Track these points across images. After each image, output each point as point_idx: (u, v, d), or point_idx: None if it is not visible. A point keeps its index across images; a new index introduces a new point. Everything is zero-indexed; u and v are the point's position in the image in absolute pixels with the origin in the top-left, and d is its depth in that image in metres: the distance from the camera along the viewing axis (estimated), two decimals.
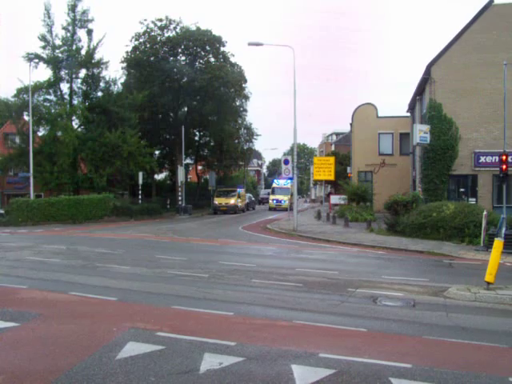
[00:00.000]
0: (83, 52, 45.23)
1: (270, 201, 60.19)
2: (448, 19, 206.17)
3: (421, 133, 29.22)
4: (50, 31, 44.47)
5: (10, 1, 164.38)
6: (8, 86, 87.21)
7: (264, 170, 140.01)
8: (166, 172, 65.23)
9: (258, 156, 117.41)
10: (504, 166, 21.82)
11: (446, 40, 29.79)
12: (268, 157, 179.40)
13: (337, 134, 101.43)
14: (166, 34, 53.43)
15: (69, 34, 45.02)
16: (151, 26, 52.92)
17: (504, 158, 21.95)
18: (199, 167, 67.26)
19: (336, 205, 45.17)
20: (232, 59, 56.34)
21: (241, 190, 56.30)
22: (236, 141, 62.51)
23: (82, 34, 45.98)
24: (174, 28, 53.66)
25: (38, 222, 35.91)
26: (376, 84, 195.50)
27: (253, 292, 11.27)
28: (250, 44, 28.59)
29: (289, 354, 6.82)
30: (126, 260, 16.24)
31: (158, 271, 13.91)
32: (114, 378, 5.81)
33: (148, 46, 52.50)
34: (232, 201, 51.60)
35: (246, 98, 60.09)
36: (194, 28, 53.73)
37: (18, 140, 45.16)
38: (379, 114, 45.28)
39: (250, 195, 66.06)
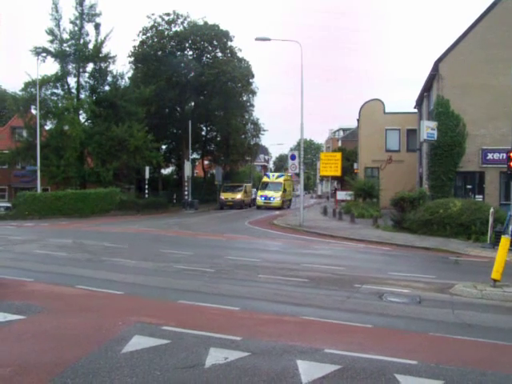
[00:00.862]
0: (91, 46, 45.27)
1: (258, 197, 52.33)
2: (453, 15, 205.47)
3: (428, 129, 29.10)
4: (58, 25, 44.53)
5: None
6: (15, 79, 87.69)
7: (271, 166, 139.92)
8: (173, 166, 65.33)
9: (265, 151, 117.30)
10: None
11: (452, 36, 29.88)
12: (275, 152, 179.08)
13: (344, 130, 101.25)
14: (174, 29, 53.49)
15: (76, 28, 45.05)
16: (159, 20, 52.99)
17: None
18: (206, 162, 67.35)
19: (342, 201, 45.15)
20: (239, 54, 56.33)
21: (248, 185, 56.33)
22: (243, 136, 62.51)
23: (89, 28, 46.02)
24: (182, 23, 53.71)
25: (45, 216, 36.00)
26: (377, 82, 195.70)
27: (259, 287, 11.27)
28: (257, 39, 28.55)
29: (294, 350, 6.81)
30: (132, 254, 16.26)
31: (164, 265, 13.93)
32: (120, 371, 5.82)
33: (155, 40, 52.55)
34: (238, 196, 51.62)
35: (253, 93, 60.07)
36: (201, 23, 53.77)
37: (25, 134, 45.28)
38: (386, 111, 45.18)
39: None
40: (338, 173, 34.97)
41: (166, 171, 65.76)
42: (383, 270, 14.10)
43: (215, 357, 6.37)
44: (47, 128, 45.33)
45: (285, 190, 52.37)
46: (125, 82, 48.98)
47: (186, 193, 49.81)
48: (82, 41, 45.08)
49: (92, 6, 45.12)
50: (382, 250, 19.38)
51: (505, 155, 25.18)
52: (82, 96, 46.20)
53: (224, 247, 19.27)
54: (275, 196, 50.57)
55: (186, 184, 50.06)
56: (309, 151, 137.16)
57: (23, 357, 6.32)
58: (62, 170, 41.35)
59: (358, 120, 47.05)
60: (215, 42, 54.61)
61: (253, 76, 56.94)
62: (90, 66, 46.45)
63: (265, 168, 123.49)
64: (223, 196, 51.02)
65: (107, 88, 47.24)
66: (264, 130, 67.16)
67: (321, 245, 20.69)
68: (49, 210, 36.72)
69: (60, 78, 44.95)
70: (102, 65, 46.56)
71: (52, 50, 44.30)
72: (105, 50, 45.99)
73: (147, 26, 53.04)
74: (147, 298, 9.90)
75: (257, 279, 12.25)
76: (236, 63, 53.96)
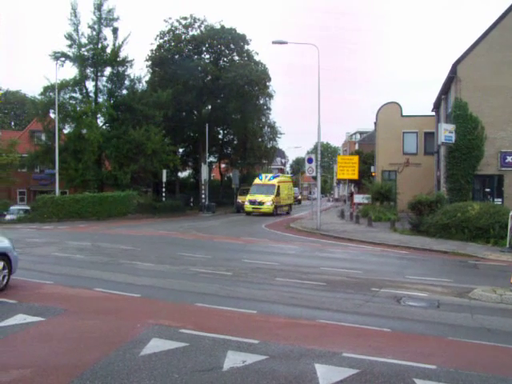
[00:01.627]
0: (108, 50, 45.65)
1: (246, 202, 45.44)
2: (468, 17, 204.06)
3: (446, 132, 28.88)
4: (77, 30, 44.97)
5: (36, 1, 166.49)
6: (34, 84, 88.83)
7: (287, 169, 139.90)
8: (190, 170, 65.53)
9: (282, 154, 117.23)
10: None
11: (470, 38, 29.55)
12: (291, 155, 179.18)
13: (361, 133, 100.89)
14: (191, 33, 53.76)
15: (94, 33, 45.46)
16: (176, 24, 53.30)
17: None
18: (223, 165, 67.43)
19: (359, 204, 44.94)
20: (256, 57, 56.40)
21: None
22: (260, 139, 62.44)
23: (107, 32, 46.47)
24: (199, 26, 54.01)
25: (63, 219, 36.28)
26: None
27: (276, 290, 11.26)
28: (274, 42, 28.53)
29: (312, 353, 6.80)
30: (149, 257, 16.34)
31: (181, 268, 13.97)
32: (138, 374, 5.85)
33: (172, 44, 52.82)
34: None
35: (270, 96, 60.09)
36: (218, 26, 53.97)
37: (43, 137, 45.74)
38: (403, 113, 44.93)
39: None
40: (355, 176, 34.87)
41: (183, 174, 65.97)
42: (401, 274, 14.03)
43: (233, 360, 6.37)
44: (65, 132, 45.73)
45: (278, 194, 45.84)
46: (142, 85, 49.40)
47: (203, 196, 49.93)
48: (99, 45, 45.47)
49: (110, 11, 45.55)
50: (399, 253, 19.29)
51: None
52: (100, 100, 46.59)
53: (241, 250, 19.28)
54: (265, 200, 44.03)
55: (203, 187, 50.17)
56: (325, 154, 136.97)
57: (43, 358, 6.39)
58: (80, 173, 41.65)
59: (375, 123, 46.79)
60: (232, 46, 54.79)
61: (269, 79, 56.93)
62: (107, 70, 46.88)
63: (282, 171, 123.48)
64: (240, 199, 50.91)
65: (125, 92, 47.62)
66: (281, 133, 67.05)
67: (338, 248, 20.64)
68: (67, 212, 36.99)
69: (78, 82, 45.36)
70: (120, 69, 46.93)
71: (70, 54, 44.74)
72: (122, 54, 46.41)
73: (164, 30, 53.39)
74: (164, 301, 9.94)
75: (273, 282, 12.24)
76: (253, 66, 53.99)
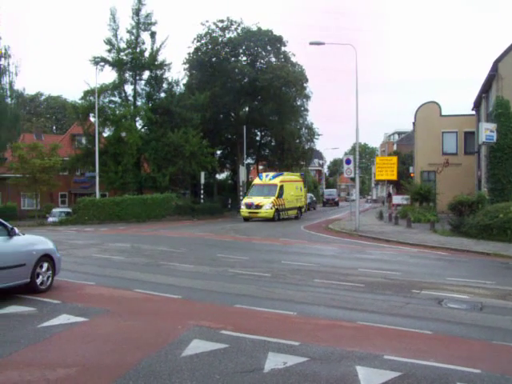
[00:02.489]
0: (147, 54, 46.33)
1: (242, 206, 39.30)
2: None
3: (487, 131, 28.40)
4: (115, 35, 45.77)
5: (76, 6, 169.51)
6: (75, 89, 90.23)
7: (325, 170, 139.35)
8: (228, 171, 65.71)
9: (319, 156, 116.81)
10: None
11: (507, 35, 28.89)
12: (329, 156, 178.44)
13: (399, 134, 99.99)
14: (228, 35, 53.97)
15: (133, 37, 46.19)
16: (213, 27, 53.59)
17: None
18: (260, 167, 67.48)
19: (398, 205, 44.48)
20: (293, 59, 56.33)
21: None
22: (297, 140, 62.21)
23: (145, 36, 47.22)
24: (235, 29, 54.15)
25: (103, 221, 36.86)
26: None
27: (315, 292, 11.22)
28: (311, 43, 28.49)
29: (353, 355, 6.75)
30: (188, 258, 16.46)
31: (220, 270, 14.03)
32: (180, 374, 5.90)
33: (209, 47, 53.13)
34: None
35: (307, 97, 59.94)
36: (254, 28, 54.08)
37: (84, 141, 46.65)
38: (442, 113, 44.32)
39: (311, 195, 65.95)
40: (394, 177, 34.49)
41: (220, 176, 66.24)
42: (441, 276, 13.80)
43: (274, 361, 6.37)
44: (105, 135, 46.51)
45: (281, 195, 39.09)
46: (180, 88, 49.89)
47: (241, 198, 50.04)
48: (138, 49, 46.15)
49: (148, 15, 46.20)
50: (439, 254, 19.01)
51: None
52: (139, 103, 47.25)
53: (279, 252, 19.26)
54: (264, 203, 37.63)
55: (241, 189, 50.27)
56: (363, 155, 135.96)
57: (87, 358, 6.50)
58: (120, 175, 42.27)
59: (413, 123, 46.28)
60: (269, 48, 54.85)
61: (307, 80, 56.76)
62: (146, 74, 47.61)
63: (319, 172, 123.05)
64: None
65: (163, 95, 48.19)
66: (318, 135, 66.72)
67: (376, 249, 20.45)
68: (107, 215, 37.56)
69: (117, 86, 46.10)
70: (158, 72, 47.54)
71: (110, 59, 45.54)
72: (160, 58, 47.09)
73: (201, 33, 53.74)
74: (204, 302, 9.99)
75: (312, 284, 12.19)
76: (290, 68, 53.91)
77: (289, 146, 59.49)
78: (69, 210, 42.60)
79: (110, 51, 45.77)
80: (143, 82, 47.97)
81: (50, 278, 10.75)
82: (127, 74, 47.01)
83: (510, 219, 22.02)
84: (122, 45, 46.10)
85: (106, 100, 46.03)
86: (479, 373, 6.18)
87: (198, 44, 53.79)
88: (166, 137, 43.19)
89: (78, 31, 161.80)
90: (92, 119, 45.52)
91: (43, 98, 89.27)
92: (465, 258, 18.20)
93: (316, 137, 66.54)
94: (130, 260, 16.09)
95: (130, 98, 47.60)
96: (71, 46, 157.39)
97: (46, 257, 10.66)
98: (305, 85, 56.67)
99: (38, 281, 10.37)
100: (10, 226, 10.08)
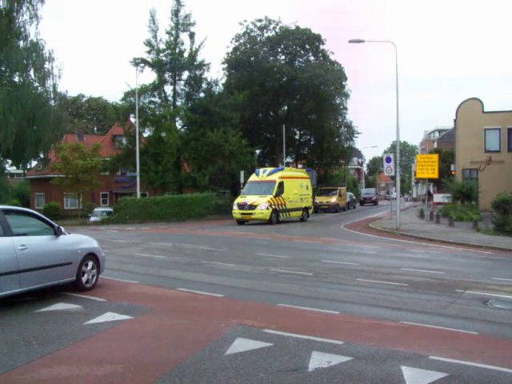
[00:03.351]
0: (186, 55, 46.68)
1: (234, 207, 33.66)
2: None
3: None
4: (155, 36, 46.27)
5: (116, 8, 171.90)
6: (115, 90, 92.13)
7: (364, 169, 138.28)
8: None
9: (358, 154, 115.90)
10: None
11: None
12: (368, 155, 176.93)
13: (439, 131, 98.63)
14: (266, 34, 54.06)
15: (172, 38, 46.60)
16: (251, 26, 53.76)
17: None
18: (299, 166, 67.35)
19: (439, 203, 43.87)
20: (331, 57, 56.06)
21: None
22: (336, 139, 61.92)
23: (184, 37, 47.68)
24: (274, 28, 54.19)
25: (144, 220, 37.30)
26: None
27: (357, 291, 11.12)
28: (350, 41, 28.26)
29: (398, 355, 6.66)
30: (229, 257, 16.52)
31: (262, 269, 14.03)
32: (225, 373, 5.91)
33: (248, 46, 53.29)
34: (333, 199, 51.41)
35: (346, 95, 59.65)
36: (293, 27, 54.02)
37: (124, 141, 47.36)
38: (485, 110, 43.47)
39: (351, 194, 65.63)
40: (435, 175, 34.05)
41: None
42: (486, 275, 13.51)
43: (318, 360, 6.33)
44: (145, 135, 47.08)
45: (280, 193, 33.89)
46: (219, 88, 50.13)
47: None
48: (177, 50, 46.55)
49: (187, 16, 46.57)
50: (483, 254, 18.64)
51: None
52: (178, 103, 47.67)
53: (320, 251, 19.19)
54: (258, 203, 32.41)
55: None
56: (403, 153, 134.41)
57: (133, 355, 6.58)
58: (160, 175, 42.71)
59: (454, 120, 45.52)
60: (307, 46, 54.71)
61: (345, 78, 56.49)
62: (185, 74, 48.01)
63: (358, 171, 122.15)
64: (318, 199, 50.69)
65: (202, 95, 48.50)
66: (357, 133, 66.28)
67: (418, 248, 20.18)
68: (148, 214, 38.00)
69: (157, 87, 46.60)
70: (197, 72, 47.85)
71: (149, 60, 46.06)
72: (199, 58, 47.37)
73: (240, 33, 53.98)
74: (247, 301, 10.00)
75: (355, 283, 12.09)
76: (328, 66, 53.71)
77: (328, 145, 59.22)
78: (110, 209, 43.27)
79: (149, 52, 46.32)
80: (182, 83, 48.41)
81: (95, 277, 10.92)
82: (167, 75, 47.47)
83: None
84: (162, 46, 46.65)
85: (146, 101, 46.61)
86: None
87: (237, 44, 54.04)
88: (206, 136, 43.46)
89: (118, 33, 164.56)
90: (132, 120, 46.16)
91: (85, 99, 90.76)
92: (510, 257, 17.82)
93: (355, 135, 66.20)
94: (171, 259, 16.23)
95: (170, 98, 48.10)
96: (112, 47, 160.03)
97: (91, 255, 10.83)
98: (344, 83, 56.38)
99: (84, 279, 10.54)
100: (56, 225, 10.27)
